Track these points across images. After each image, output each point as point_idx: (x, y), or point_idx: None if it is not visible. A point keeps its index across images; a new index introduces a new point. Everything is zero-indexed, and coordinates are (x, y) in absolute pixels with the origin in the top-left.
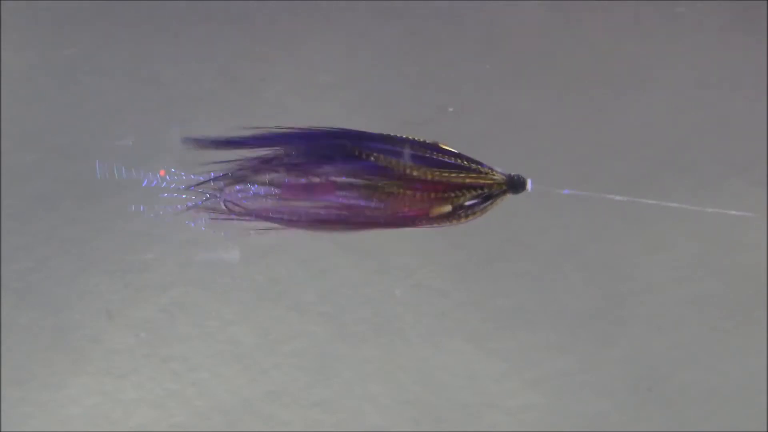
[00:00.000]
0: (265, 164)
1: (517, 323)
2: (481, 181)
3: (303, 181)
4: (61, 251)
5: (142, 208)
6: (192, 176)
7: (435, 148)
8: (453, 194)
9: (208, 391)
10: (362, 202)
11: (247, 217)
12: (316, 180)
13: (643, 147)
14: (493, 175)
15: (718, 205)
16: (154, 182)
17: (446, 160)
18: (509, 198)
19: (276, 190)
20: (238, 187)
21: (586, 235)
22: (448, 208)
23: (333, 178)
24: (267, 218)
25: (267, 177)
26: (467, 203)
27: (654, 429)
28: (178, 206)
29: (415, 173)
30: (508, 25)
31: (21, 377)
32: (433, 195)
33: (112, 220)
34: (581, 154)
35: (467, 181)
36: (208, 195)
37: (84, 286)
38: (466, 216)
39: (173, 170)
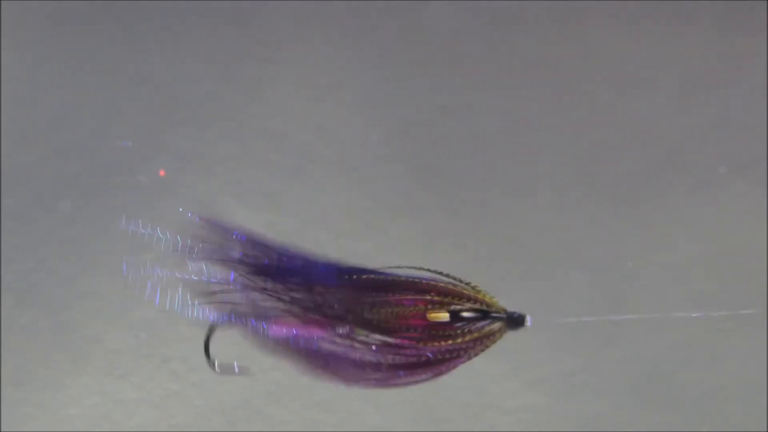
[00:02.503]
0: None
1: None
2: (479, 297)
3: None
4: (61, 251)
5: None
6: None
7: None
8: (449, 299)
9: (208, 391)
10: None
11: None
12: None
13: (643, 147)
14: (491, 298)
15: (718, 204)
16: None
17: (441, 277)
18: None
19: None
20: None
21: (586, 235)
22: (445, 315)
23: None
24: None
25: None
26: (464, 314)
27: (654, 429)
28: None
29: (407, 282)
30: (509, 24)
31: (21, 377)
32: (428, 297)
33: (112, 220)
34: (581, 154)
35: (464, 291)
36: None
37: (84, 286)
38: (464, 334)
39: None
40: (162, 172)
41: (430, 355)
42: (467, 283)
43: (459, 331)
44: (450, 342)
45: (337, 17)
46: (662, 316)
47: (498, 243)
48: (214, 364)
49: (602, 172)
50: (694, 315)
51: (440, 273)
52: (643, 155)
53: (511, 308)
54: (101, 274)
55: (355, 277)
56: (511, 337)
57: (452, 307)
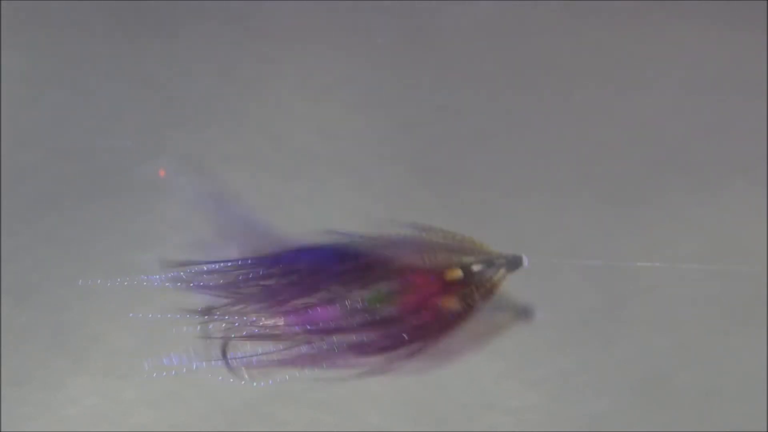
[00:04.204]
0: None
1: (517, 323)
2: (477, 247)
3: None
4: (61, 251)
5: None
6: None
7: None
8: (455, 255)
9: (208, 391)
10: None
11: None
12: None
13: (643, 147)
14: (487, 246)
15: (719, 204)
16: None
17: (440, 233)
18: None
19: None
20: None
21: (586, 235)
22: (458, 272)
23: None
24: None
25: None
26: (475, 269)
27: (654, 429)
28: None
29: (419, 240)
30: (509, 25)
31: (21, 377)
32: (440, 257)
33: (112, 220)
34: (581, 154)
35: (468, 245)
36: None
37: (84, 286)
38: (479, 287)
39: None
40: (162, 172)
41: (452, 317)
42: (462, 237)
43: (474, 286)
44: (468, 299)
45: (337, 17)
46: (670, 266)
47: (498, 243)
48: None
49: (602, 172)
50: (696, 266)
51: (431, 230)
52: (643, 155)
53: (506, 252)
54: (101, 274)
55: (363, 251)
56: (511, 337)
57: (463, 262)
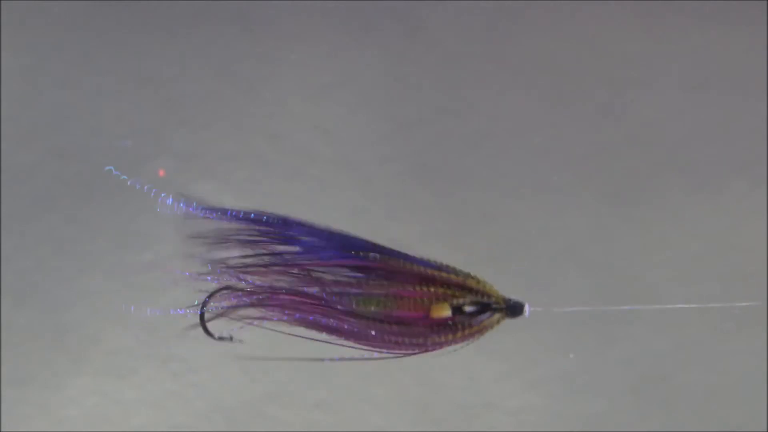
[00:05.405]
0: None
1: (517, 323)
2: (480, 288)
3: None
4: (61, 251)
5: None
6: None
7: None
8: (451, 293)
9: (208, 391)
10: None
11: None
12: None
13: (643, 147)
14: (491, 288)
15: (718, 204)
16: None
17: (445, 267)
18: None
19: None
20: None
21: (586, 235)
22: (447, 310)
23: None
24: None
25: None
26: (466, 309)
27: (654, 429)
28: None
29: (414, 269)
30: (509, 25)
31: (21, 377)
32: (432, 290)
33: (112, 220)
34: (581, 154)
35: (466, 282)
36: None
37: (83, 286)
38: (464, 328)
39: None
40: (162, 172)
41: (429, 346)
42: (466, 274)
43: (459, 326)
44: (450, 336)
45: (337, 17)
46: (660, 308)
47: (498, 243)
48: (210, 332)
49: (602, 172)
50: (692, 306)
51: (440, 264)
52: (643, 155)
53: (510, 296)
54: (101, 274)
55: (362, 255)
56: (511, 337)
57: (454, 302)
